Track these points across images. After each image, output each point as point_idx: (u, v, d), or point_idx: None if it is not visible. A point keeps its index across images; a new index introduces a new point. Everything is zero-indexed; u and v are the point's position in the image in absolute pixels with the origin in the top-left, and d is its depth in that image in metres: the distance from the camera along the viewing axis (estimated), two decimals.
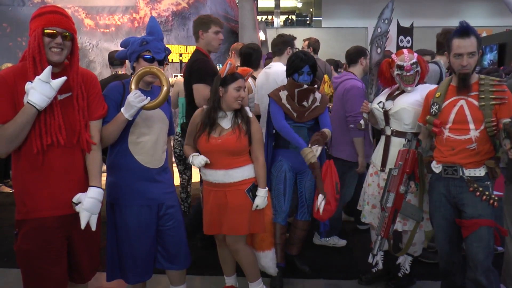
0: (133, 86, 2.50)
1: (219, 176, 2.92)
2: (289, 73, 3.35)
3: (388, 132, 3.23)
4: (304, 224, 3.48)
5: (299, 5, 30.01)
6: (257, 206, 2.93)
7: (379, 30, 3.39)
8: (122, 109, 2.46)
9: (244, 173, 2.94)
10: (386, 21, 3.40)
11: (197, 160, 2.91)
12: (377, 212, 3.24)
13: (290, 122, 3.32)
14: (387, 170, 3.14)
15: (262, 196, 2.94)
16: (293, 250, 3.57)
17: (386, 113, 3.21)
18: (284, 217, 3.40)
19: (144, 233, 2.65)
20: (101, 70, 7.48)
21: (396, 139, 3.17)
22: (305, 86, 3.27)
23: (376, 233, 2.94)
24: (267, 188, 2.99)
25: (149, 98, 2.47)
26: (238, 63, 4.40)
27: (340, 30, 22.98)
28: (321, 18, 25.84)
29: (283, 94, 3.34)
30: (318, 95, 3.41)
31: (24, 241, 2.22)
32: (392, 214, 2.89)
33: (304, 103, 3.32)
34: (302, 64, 3.27)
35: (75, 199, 2.24)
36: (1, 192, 6.35)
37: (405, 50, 3.19)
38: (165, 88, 2.51)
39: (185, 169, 4.68)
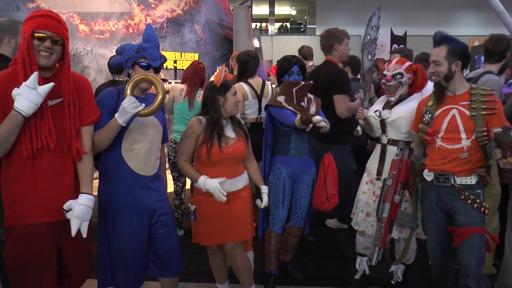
0: (128, 92, 2.49)
1: (226, 186, 2.88)
2: (280, 75, 3.44)
3: (384, 140, 3.23)
4: (298, 230, 3.47)
5: (294, 12, 30.11)
6: (266, 203, 3.06)
7: (368, 37, 3.46)
8: (116, 115, 2.45)
9: (244, 180, 3.01)
10: (374, 28, 3.47)
11: (213, 188, 2.78)
12: (371, 220, 3.23)
13: (293, 127, 3.31)
14: (383, 178, 3.14)
15: (266, 193, 3.08)
16: (286, 257, 3.56)
17: (382, 122, 3.21)
18: (281, 226, 3.39)
19: (136, 241, 2.63)
20: (95, 76, 7.45)
21: (392, 148, 3.16)
22: (302, 82, 3.33)
23: (374, 243, 2.94)
24: (266, 186, 3.13)
25: (143, 104, 2.47)
26: None
27: None
28: (315, 26, 25.92)
29: (282, 99, 3.36)
30: (310, 96, 3.45)
31: (13, 247, 2.21)
32: (389, 224, 2.90)
33: (302, 103, 3.34)
34: (291, 65, 3.37)
35: (65, 206, 2.23)
36: None
37: (394, 60, 3.21)
38: (160, 96, 2.52)
39: (179, 176, 4.66)
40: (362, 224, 3.32)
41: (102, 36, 7.76)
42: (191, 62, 4.97)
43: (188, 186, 4.95)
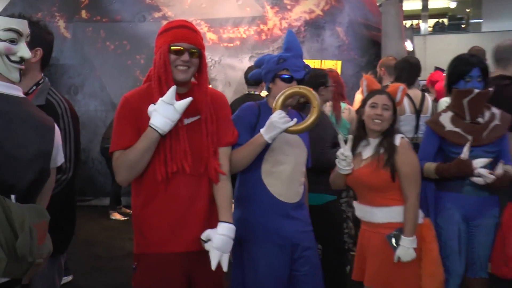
0: (277, 106, 2.57)
1: (364, 212, 2.94)
2: (452, 81, 3.22)
3: None
4: (481, 282, 3.22)
5: (453, 5, 28.82)
6: (399, 258, 2.79)
7: None
8: (262, 130, 2.52)
9: (390, 213, 2.87)
10: None
11: None
12: None
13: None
14: None
15: (405, 247, 2.78)
16: None
17: None
18: (459, 284, 3.17)
19: (274, 276, 2.68)
20: (223, 89, 7.78)
21: None
22: (476, 91, 3.06)
23: None
24: (414, 237, 2.82)
25: (295, 119, 2.52)
26: (390, 80, 4.41)
27: (506, 34, 21.68)
28: (481, 20, 24.61)
29: (446, 118, 3.18)
30: (496, 111, 3.17)
31: (142, 276, 2.38)
32: None
33: (479, 119, 3.10)
34: (469, 67, 3.12)
35: (204, 236, 2.33)
36: (114, 219, 6.98)
37: None
38: (315, 111, 2.55)
39: None
40: None
41: (232, 44, 8.15)
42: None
43: None
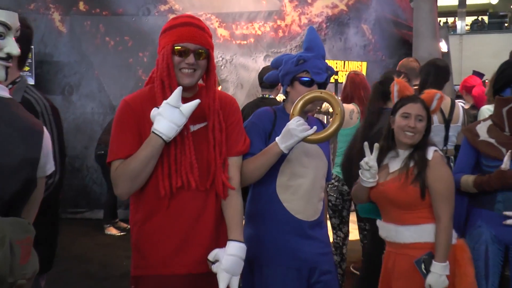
0: (295, 112, 2.55)
1: (389, 231, 2.93)
2: (498, 88, 3.22)
3: None
4: None
5: (494, 0, 28.74)
6: (429, 287, 2.76)
7: None
8: (278, 139, 2.51)
9: (418, 232, 2.85)
10: None
11: None
12: None
13: (496, 163, 3.09)
14: None
15: (437, 274, 2.74)
16: None
17: None
18: None
19: None
20: (235, 91, 7.80)
21: None
22: None
23: None
24: (447, 263, 2.77)
25: (315, 127, 2.50)
26: (412, 84, 4.41)
27: None
28: None
29: (483, 127, 3.18)
30: None
31: None
32: None
33: None
34: None
35: (211, 257, 2.32)
36: (109, 235, 6.99)
37: None
38: (338, 119, 2.54)
39: (341, 224, 4.65)
40: None
41: (245, 42, 8.17)
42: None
43: (352, 237, 4.92)
